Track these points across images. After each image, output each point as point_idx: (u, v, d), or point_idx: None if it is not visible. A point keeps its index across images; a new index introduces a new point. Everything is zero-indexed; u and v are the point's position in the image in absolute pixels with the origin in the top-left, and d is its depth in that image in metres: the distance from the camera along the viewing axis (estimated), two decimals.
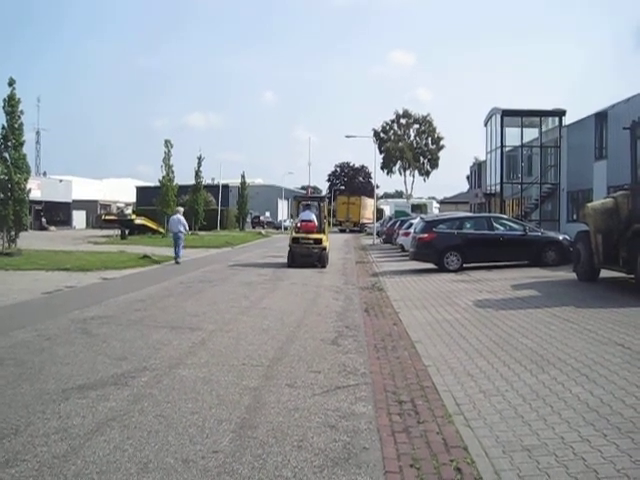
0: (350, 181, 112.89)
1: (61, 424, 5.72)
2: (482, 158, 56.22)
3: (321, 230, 24.96)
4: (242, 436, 5.51)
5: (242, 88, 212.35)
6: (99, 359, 8.39)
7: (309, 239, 24.12)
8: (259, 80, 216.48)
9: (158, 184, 51.62)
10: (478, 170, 64.70)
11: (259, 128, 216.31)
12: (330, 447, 5.27)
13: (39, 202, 63.06)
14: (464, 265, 20.67)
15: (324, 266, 23.70)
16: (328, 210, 45.33)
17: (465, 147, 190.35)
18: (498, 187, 41.59)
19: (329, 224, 31.16)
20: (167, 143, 49.41)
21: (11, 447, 5.16)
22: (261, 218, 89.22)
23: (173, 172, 50.14)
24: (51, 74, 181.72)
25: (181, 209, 31.07)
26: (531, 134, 41.16)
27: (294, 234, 24.78)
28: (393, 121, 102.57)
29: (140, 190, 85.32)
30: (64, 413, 6.05)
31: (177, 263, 25.93)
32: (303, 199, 29.66)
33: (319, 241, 24.14)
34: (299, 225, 25.04)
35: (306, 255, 23.94)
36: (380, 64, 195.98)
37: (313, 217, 25.17)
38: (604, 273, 15.68)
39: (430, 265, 21.51)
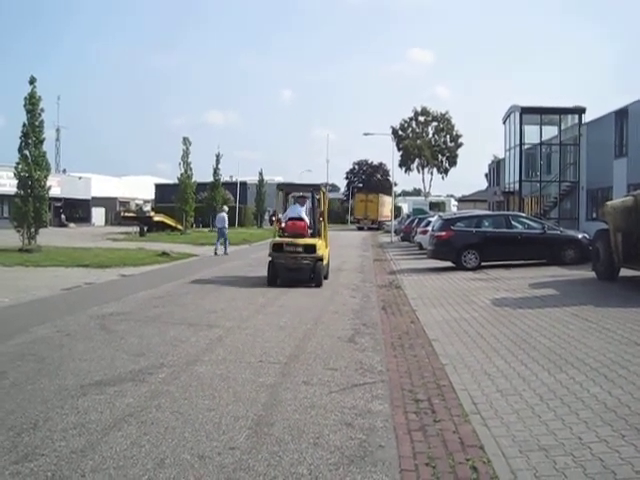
0: (368, 179, 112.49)
1: (79, 419, 5.77)
2: (501, 156, 55.96)
3: (315, 232, 18.06)
4: (258, 433, 5.52)
5: (260, 86, 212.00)
6: (117, 355, 8.44)
7: (297, 245, 17.03)
8: (277, 78, 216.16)
9: (177, 181, 51.93)
10: (497, 168, 64.36)
11: (277, 126, 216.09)
12: (346, 445, 5.27)
13: (59, 199, 63.44)
14: (482, 263, 20.59)
15: (319, 283, 16.90)
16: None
17: (484, 145, 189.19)
18: (517, 185, 41.32)
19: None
20: (185, 141, 49.80)
21: (30, 441, 5.21)
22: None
23: (192, 169, 50.55)
24: (69, 72, 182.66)
25: (226, 208, 33.71)
26: (550, 132, 40.87)
27: (277, 238, 17.90)
28: (411, 119, 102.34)
29: (159, 187, 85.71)
30: (82, 408, 6.10)
31: (218, 254, 29.09)
32: (290, 188, 21.03)
33: (312, 248, 16.99)
34: (284, 225, 18.20)
35: (293, 269, 17.01)
36: (398, 62, 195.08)
37: (303, 214, 18.22)
38: (624, 272, 15.56)
39: (448, 263, 21.45)
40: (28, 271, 19.83)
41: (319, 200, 18.88)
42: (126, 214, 58.19)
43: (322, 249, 17.54)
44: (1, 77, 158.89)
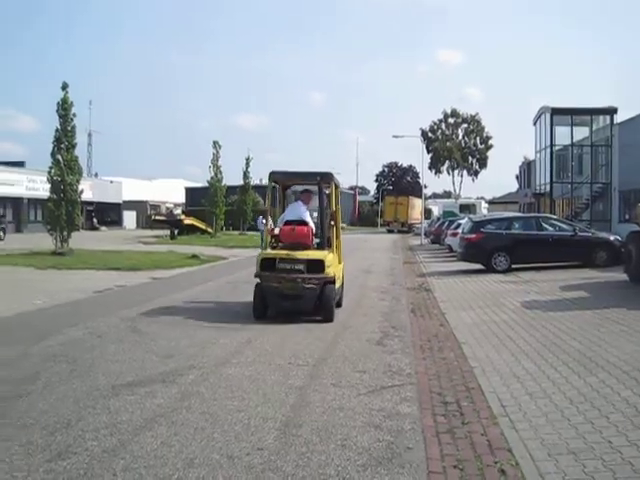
0: (398, 181, 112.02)
1: (110, 419, 5.86)
2: (531, 157, 55.50)
3: (324, 242, 12.53)
4: (287, 434, 5.56)
5: (289, 88, 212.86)
6: (148, 357, 8.53)
7: (297, 261, 11.81)
8: (306, 80, 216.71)
9: (207, 185, 52.30)
10: (527, 169, 63.85)
11: (306, 129, 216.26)
12: (374, 446, 5.29)
13: (91, 203, 64.39)
14: (512, 266, 20.40)
15: (329, 317, 11.72)
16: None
17: (515, 146, 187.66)
18: (548, 187, 40.94)
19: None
20: (215, 144, 50.27)
21: (63, 440, 5.30)
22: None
23: (221, 173, 50.90)
24: (101, 77, 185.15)
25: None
26: (582, 133, 40.45)
27: (267, 250, 12.69)
28: (441, 121, 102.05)
29: (189, 191, 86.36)
30: (113, 409, 6.19)
31: None
32: (288, 178, 14.25)
33: (318, 265, 11.82)
34: (278, 232, 12.81)
35: (290, 296, 11.78)
36: (427, 63, 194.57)
37: (306, 216, 12.78)
38: None
39: (478, 266, 21.31)
40: (61, 274, 20.12)
41: (329, 196, 13.12)
42: (157, 217, 58.87)
43: (334, 266, 12.37)
44: (35, 83, 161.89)
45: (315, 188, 13.30)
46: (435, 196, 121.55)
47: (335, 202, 13.26)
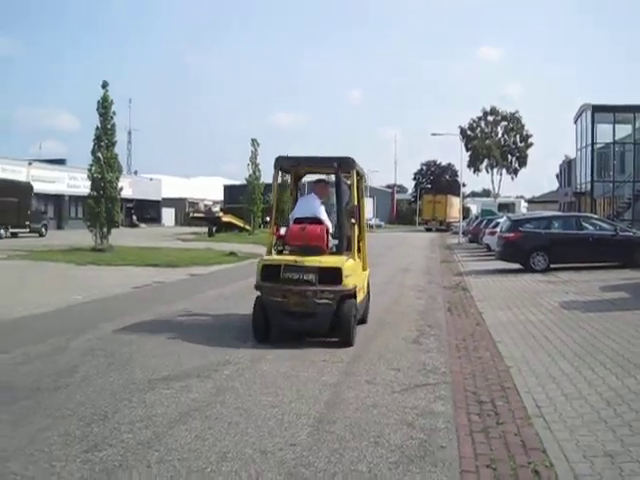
0: (436, 179, 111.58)
1: (146, 412, 5.94)
2: (572, 155, 54.73)
3: (342, 244, 9.93)
4: (320, 430, 5.58)
5: (328, 86, 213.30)
6: (184, 352, 8.60)
7: (307, 270, 9.20)
8: (345, 78, 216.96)
9: (245, 182, 52.55)
10: (568, 168, 62.96)
11: (345, 126, 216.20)
12: (406, 444, 5.27)
13: (130, 200, 65.19)
14: (551, 265, 20.14)
15: (347, 340, 9.16)
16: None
17: (555, 144, 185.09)
18: (589, 186, 40.40)
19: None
20: (253, 142, 50.49)
21: (99, 432, 5.39)
22: None
23: (260, 170, 51.06)
24: (142, 76, 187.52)
25: None
26: (624, 130, 39.79)
27: (271, 256, 10.17)
28: (480, 118, 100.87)
29: (228, 188, 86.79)
30: (149, 402, 6.27)
31: None
32: (298, 164, 10.83)
33: (334, 274, 9.21)
34: (284, 233, 10.27)
35: (299, 314, 9.24)
36: (467, 60, 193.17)
37: (321, 212, 10.04)
38: None
39: (516, 265, 21.10)
40: (100, 270, 20.40)
41: (351, 187, 10.38)
42: (195, 215, 59.36)
43: (355, 275, 9.77)
44: (77, 83, 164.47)
45: (332, 178, 10.70)
46: (474, 195, 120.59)
47: (358, 195, 10.39)
